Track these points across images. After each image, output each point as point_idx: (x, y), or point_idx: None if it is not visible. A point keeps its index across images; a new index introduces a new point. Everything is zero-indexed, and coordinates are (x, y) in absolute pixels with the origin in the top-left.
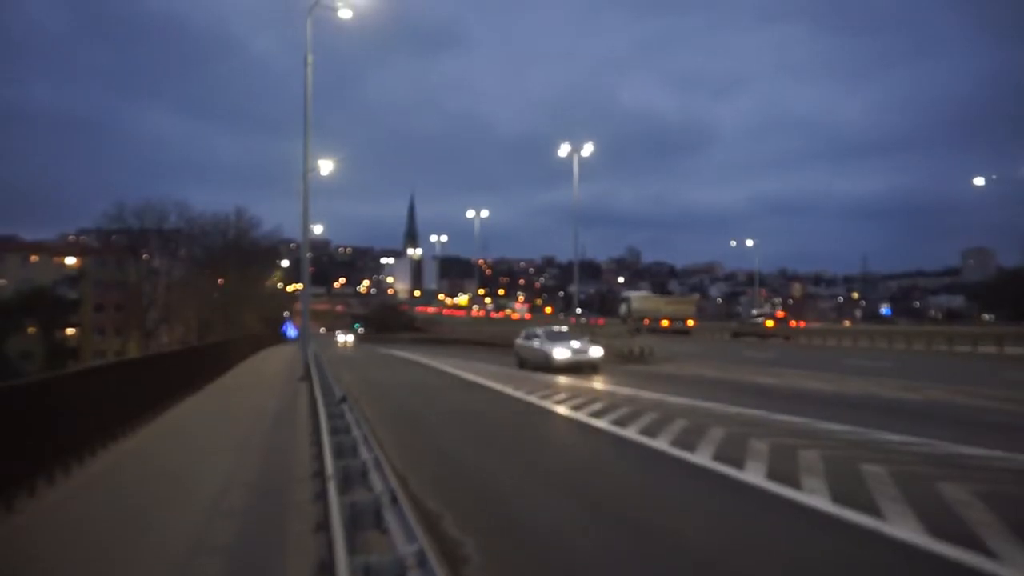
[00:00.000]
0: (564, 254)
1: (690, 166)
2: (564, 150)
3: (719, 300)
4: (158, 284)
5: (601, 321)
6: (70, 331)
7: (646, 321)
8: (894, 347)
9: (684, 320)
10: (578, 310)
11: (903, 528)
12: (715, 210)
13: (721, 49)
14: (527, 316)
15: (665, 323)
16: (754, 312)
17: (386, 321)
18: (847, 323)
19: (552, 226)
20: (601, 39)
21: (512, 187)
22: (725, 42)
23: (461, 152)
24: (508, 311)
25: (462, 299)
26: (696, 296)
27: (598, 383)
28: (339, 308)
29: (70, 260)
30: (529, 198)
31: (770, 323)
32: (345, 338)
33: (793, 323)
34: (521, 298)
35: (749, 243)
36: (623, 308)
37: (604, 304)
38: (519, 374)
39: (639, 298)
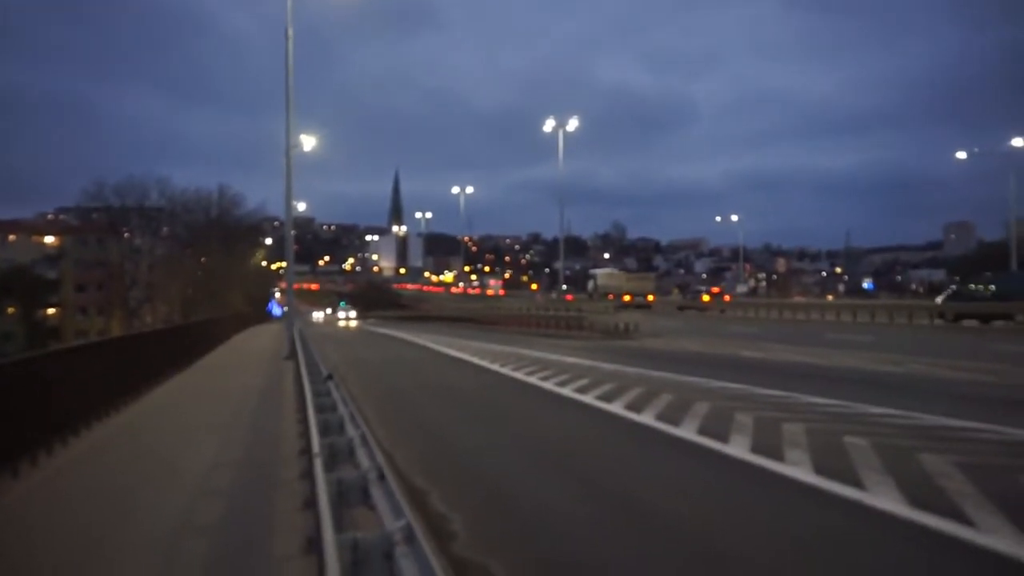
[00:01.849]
0: (550, 231)
1: (671, 143)
2: (549, 125)
3: (703, 275)
4: (140, 263)
5: (570, 297)
6: (51, 311)
7: (611, 296)
8: (877, 321)
9: (644, 296)
10: (563, 286)
11: (885, 499)
12: (698, 186)
13: (696, 27)
14: (501, 292)
15: (627, 298)
16: (739, 288)
17: (372, 299)
18: (830, 297)
19: (537, 202)
20: (575, 17)
21: (495, 164)
22: (699, 20)
23: (443, 129)
24: (488, 289)
25: (448, 276)
26: (653, 274)
27: (584, 359)
28: (324, 286)
29: (49, 239)
30: (513, 174)
31: (706, 298)
32: (344, 315)
33: (727, 298)
34: (508, 275)
35: (734, 218)
36: (591, 284)
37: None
38: (506, 351)
39: (604, 275)
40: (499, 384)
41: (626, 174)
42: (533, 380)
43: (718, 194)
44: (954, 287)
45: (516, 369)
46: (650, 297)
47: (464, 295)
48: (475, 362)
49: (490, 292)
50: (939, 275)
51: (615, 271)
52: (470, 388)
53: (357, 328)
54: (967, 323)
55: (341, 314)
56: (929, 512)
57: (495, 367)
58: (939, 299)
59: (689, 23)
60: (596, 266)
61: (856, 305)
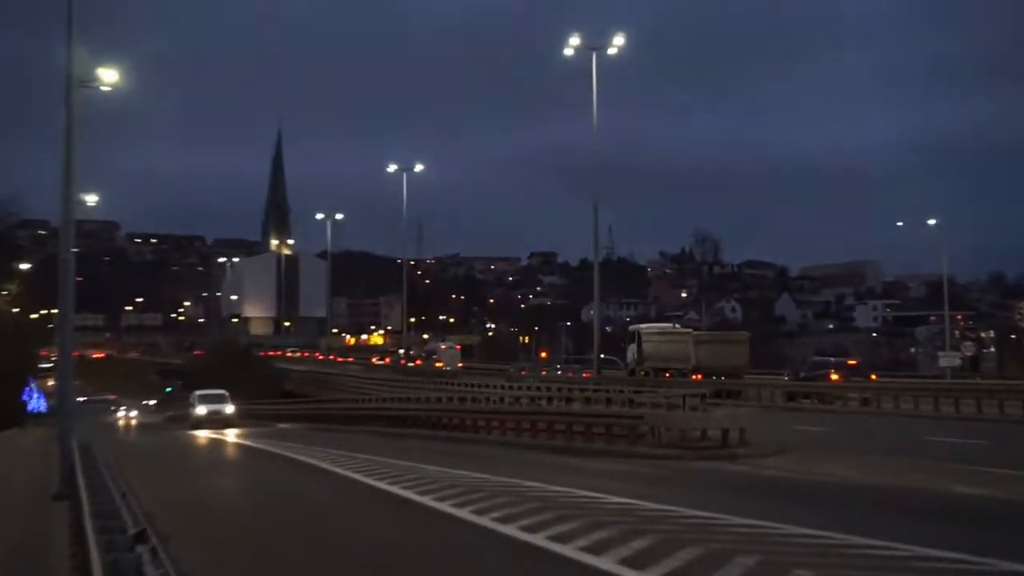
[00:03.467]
0: (574, 247)
1: (796, 85)
2: (572, 47)
3: (874, 334)
4: None
5: (587, 374)
6: None
7: (668, 374)
8: None
9: (732, 369)
10: (598, 355)
11: None
12: (854, 166)
13: None
14: (459, 365)
15: (696, 376)
16: (940, 357)
17: (232, 379)
18: None
19: (546, 194)
20: None
21: (468, 123)
22: None
23: (369, 62)
24: (435, 356)
25: (376, 336)
26: (746, 334)
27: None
28: (134, 353)
29: None
30: (500, 143)
31: (835, 376)
32: (208, 409)
33: (873, 377)
34: (492, 331)
35: (931, 222)
36: (630, 350)
37: None
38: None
39: (653, 334)
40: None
41: (715, 143)
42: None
43: (884, 177)
44: None
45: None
46: (739, 371)
47: (398, 368)
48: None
49: (439, 364)
50: None
51: (674, 328)
52: None
53: (232, 439)
54: None
55: (202, 408)
56: None
57: (489, 524)
58: None
59: None
60: (661, 315)
61: None
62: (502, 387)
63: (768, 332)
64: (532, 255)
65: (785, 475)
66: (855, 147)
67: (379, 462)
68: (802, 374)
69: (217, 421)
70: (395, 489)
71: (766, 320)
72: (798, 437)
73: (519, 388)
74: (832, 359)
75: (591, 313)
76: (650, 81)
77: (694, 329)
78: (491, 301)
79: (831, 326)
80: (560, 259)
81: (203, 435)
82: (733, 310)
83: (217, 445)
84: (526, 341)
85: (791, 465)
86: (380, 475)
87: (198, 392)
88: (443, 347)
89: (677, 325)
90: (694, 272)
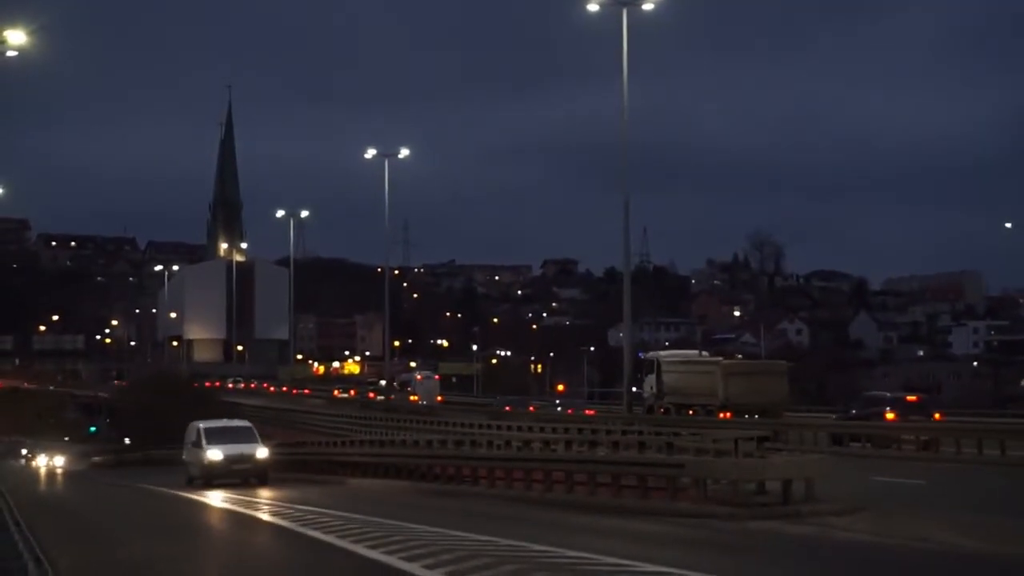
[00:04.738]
0: (595, 251)
1: (863, 46)
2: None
3: (975, 363)
4: None
5: (591, 412)
6: None
7: (691, 411)
8: None
9: (769, 406)
10: (627, 386)
11: None
12: (934, 149)
13: None
14: (438, 399)
15: (725, 415)
16: None
17: (168, 416)
18: None
19: (559, 189)
20: None
21: (456, 98)
22: None
23: (332, 28)
24: (409, 388)
25: (351, 364)
26: (784, 363)
27: None
28: (49, 384)
29: None
30: (497, 116)
31: (891, 415)
32: (232, 451)
33: (938, 416)
34: (493, 358)
35: None
36: (647, 382)
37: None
38: None
39: (675, 364)
40: None
41: (773, 124)
42: None
43: (996, 169)
44: None
45: None
46: (777, 408)
47: (365, 403)
48: None
49: (413, 397)
50: None
51: (700, 356)
52: None
53: (121, 489)
54: None
55: (215, 452)
56: None
57: None
58: None
59: None
60: (709, 338)
61: None
62: (508, 428)
63: (842, 360)
64: (546, 263)
65: (865, 539)
66: (950, 127)
67: (356, 519)
68: (853, 411)
69: (242, 471)
70: (376, 555)
71: (840, 345)
72: (867, 488)
73: (528, 429)
74: (888, 395)
75: (620, 336)
76: (692, 46)
77: (744, 357)
78: (495, 320)
79: (921, 353)
80: (581, 268)
81: (218, 503)
82: (799, 332)
83: (133, 493)
84: (539, 370)
85: (869, 526)
86: (357, 535)
87: (202, 424)
88: (418, 377)
89: (706, 353)
90: (750, 285)
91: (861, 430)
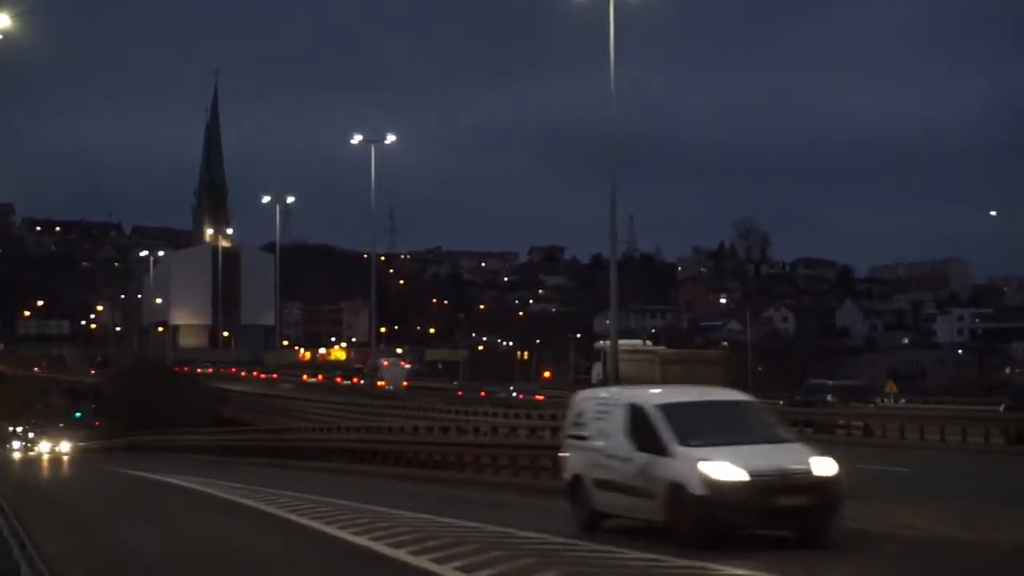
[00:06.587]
0: (582, 238)
1: (850, 32)
2: None
3: (959, 351)
4: None
5: (540, 397)
6: None
7: None
8: None
9: None
10: (594, 374)
11: None
12: (922, 138)
13: None
14: (404, 384)
15: None
16: None
17: (153, 401)
18: None
19: (545, 176)
20: None
21: (442, 85)
22: None
23: (318, 11)
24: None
25: (337, 350)
26: (720, 352)
27: None
28: (37, 369)
29: None
30: (485, 107)
31: (892, 387)
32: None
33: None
34: (482, 343)
35: None
36: (595, 369)
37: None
38: None
39: (620, 352)
40: None
41: (760, 112)
42: None
43: (981, 157)
44: None
45: None
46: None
47: (334, 388)
48: None
49: (381, 383)
50: None
51: (644, 346)
52: None
53: (105, 472)
54: None
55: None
56: None
57: None
58: None
59: None
60: (695, 325)
61: None
62: (494, 415)
63: (828, 348)
64: (532, 250)
65: (855, 526)
66: (936, 115)
67: (344, 506)
68: (796, 398)
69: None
70: (363, 540)
71: (826, 332)
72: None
73: (516, 416)
74: (831, 383)
75: (606, 323)
76: (680, 33)
77: (730, 345)
78: (481, 307)
79: (906, 340)
80: (567, 255)
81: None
82: (784, 320)
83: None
84: (525, 357)
85: (856, 514)
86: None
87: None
88: (385, 363)
89: (649, 342)
90: (736, 272)
91: (802, 416)
